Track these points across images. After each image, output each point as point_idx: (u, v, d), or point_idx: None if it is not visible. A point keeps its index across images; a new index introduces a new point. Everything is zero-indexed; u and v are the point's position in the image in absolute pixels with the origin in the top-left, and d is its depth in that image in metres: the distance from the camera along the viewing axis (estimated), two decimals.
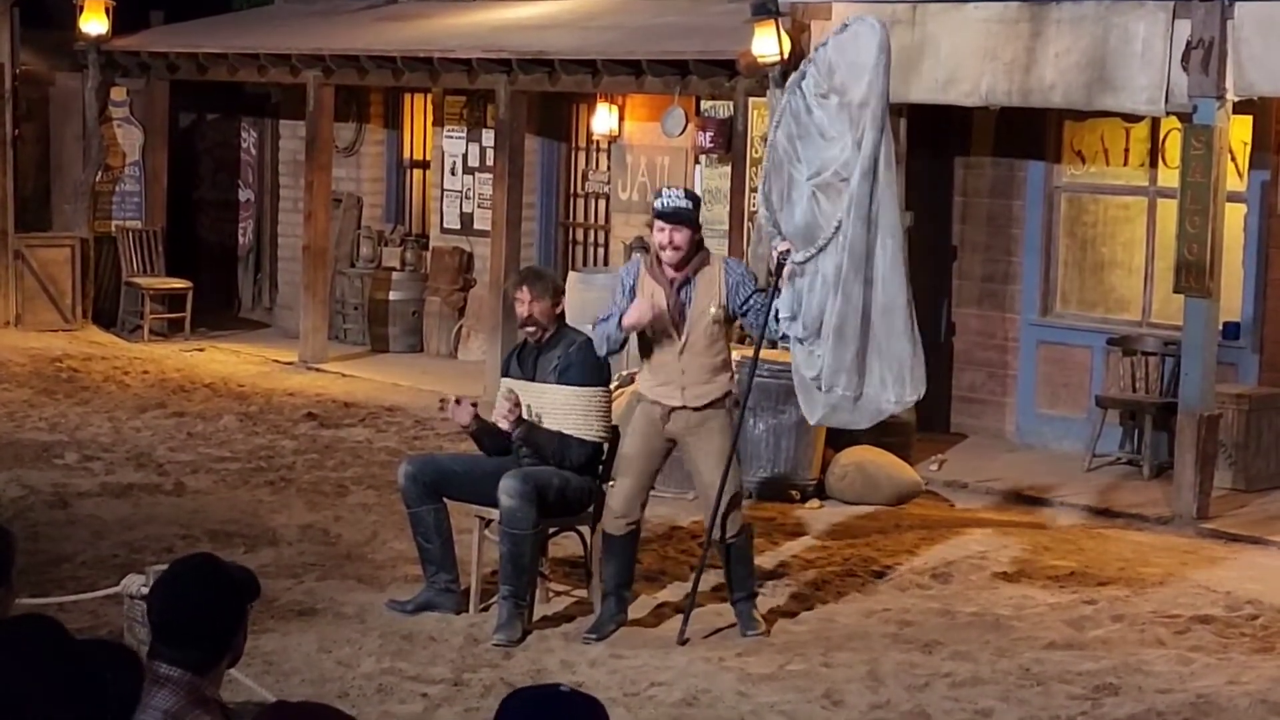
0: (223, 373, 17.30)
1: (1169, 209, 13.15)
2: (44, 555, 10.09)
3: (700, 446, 9.03)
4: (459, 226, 18.85)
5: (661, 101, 16.38)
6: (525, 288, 9.21)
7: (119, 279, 19.71)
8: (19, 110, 19.01)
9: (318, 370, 17.65)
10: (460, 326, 18.71)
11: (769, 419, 12.17)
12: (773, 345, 9.75)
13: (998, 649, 9.00)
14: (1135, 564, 10.85)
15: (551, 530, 9.36)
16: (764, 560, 10.24)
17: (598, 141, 17.84)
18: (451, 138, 18.90)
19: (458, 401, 9.33)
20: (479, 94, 17.99)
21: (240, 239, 21.46)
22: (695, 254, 9.02)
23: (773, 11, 13.51)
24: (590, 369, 9.15)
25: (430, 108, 19.31)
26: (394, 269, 19.16)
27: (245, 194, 21.37)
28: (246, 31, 19.37)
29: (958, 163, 15.09)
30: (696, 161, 16.57)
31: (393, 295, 18.92)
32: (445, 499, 9.32)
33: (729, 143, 15.52)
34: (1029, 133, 14.54)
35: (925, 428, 14.10)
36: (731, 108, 15.43)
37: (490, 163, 17.75)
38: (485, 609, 9.26)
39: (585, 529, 9.40)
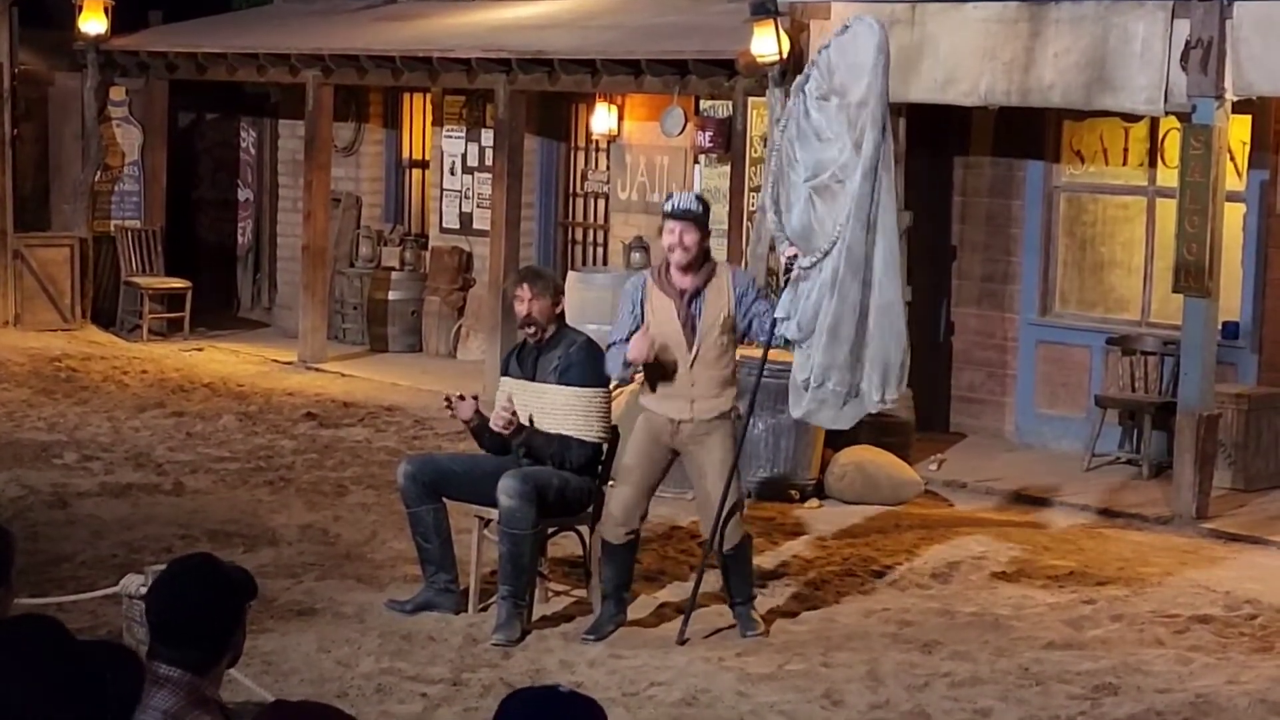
0: (222, 372, 17.30)
1: (1168, 209, 13.15)
2: (43, 555, 10.08)
3: (703, 457, 9.02)
4: (458, 226, 18.85)
5: (661, 101, 16.38)
6: (525, 286, 9.20)
7: (118, 279, 19.70)
8: (18, 110, 19.01)
9: (317, 370, 17.65)
10: (459, 326, 18.72)
11: (769, 419, 12.17)
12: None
13: (997, 649, 9.00)
14: (1134, 564, 10.85)
15: (551, 530, 9.36)
16: (764, 560, 10.24)
17: (597, 141, 17.85)
18: (451, 137, 18.90)
19: (460, 398, 9.33)
20: (478, 93, 17.99)
21: (239, 239, 21.46)
22: (704, 260, 9.01)
23: (772, 11, 13.51)
24: (590, 369, 9.14)
25: (429, 107, 19.31)
26: (393, 269, 19.16)
27: (244, 193, 21.37)
28: (245, 31, 19.37)
29: (957, 162, 15.09)
30: (696, 161, 16.58)
31: (392, 295, 18.92)
32: (444, 499, 9.32)
33: (728, 142, 15.52)
34: (1028, 132, 14.54)
35: (924, 427, 14.11)
36: (731, 107, 15.43)
37: (489, 162, 17.75)
38: (484, 609, 9.25)
39: (585, 529, 9.39)
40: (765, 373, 9.26)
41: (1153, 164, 14.13)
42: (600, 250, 18.05)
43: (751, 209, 14.62)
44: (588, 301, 14.76)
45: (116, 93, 19.90)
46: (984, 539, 11.33)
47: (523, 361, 9.31)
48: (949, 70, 13.02)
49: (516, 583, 8.91)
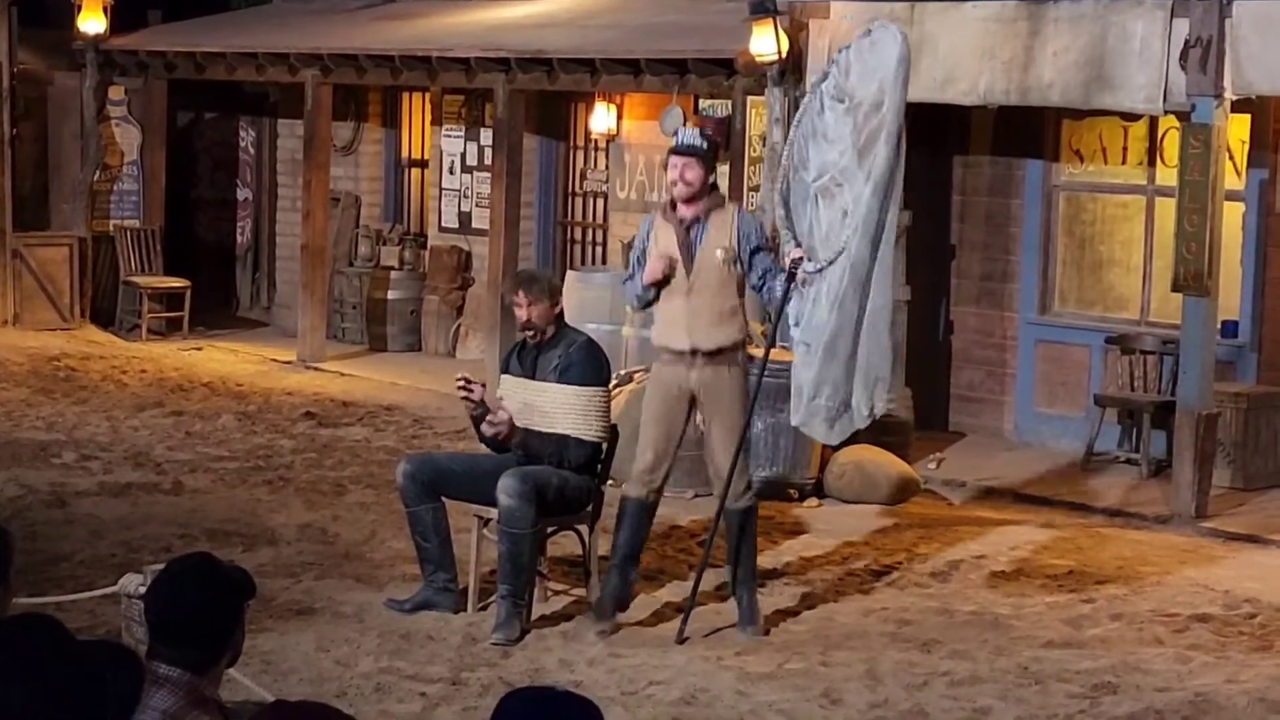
0: (221, 372, 17.29)
1: (1167, 208, 13.15)
2: (42, 554, 10.08)
3: (714, 415, 9.03)
4: (457, 225, 18.85)
5: (660, 100, 16.37)
6: (521, 293, 9.21)
7: (117, 278, 19.70)
8: (17, 109, 19.00)
9: (316, 369, 17.65)
10: (458, 325, 18.71)
11: (768, 418, 12.16)
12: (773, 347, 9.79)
13: (996, 648, 9.00)
14: (1133, 563, 10.85)
15: (550, 529, 9.36)
16: (763, 559, 10.22)
17: (596, 140, 17.84)
18: (450, 137, 18.89)
19: (475, 382, 9.30)
20: (477, 93, 17.99)
21: (238, 238, 21.45)
22: (707, 195, 9.06)
23: (771, 10, 13.51)
24: (590, 369, 9.15)
25: (428, 107, 19.31)
26: (392, 268, 19.16)
27: (243, 193, 21.36)
28: (244, 30, 19.37)
29: (956, 161, 15.09)
30: None
31: (391, 294, 18.92)
32: (444, 498, 9.32)
33: (727, 141, 15.51)
34: (1027, 131, 14.54)
35: (923, 426, 14.11)
36: (730, 106, 15.43)
37: (488, 162, 17.75)
38: (483, 608, 9.25)
39: (584, 528, 9.39)
40: (765, 373, 9.27)
41: (1152, 163, 14.13)
42: (599, 249, 18.04)
43: (751, 208, 14.61)
44: (587, 301, 14.74)
45: (115, 92, 19.89)
46: (983, 538, 11.34)
47: (523, 360, 9.32)
48: (948, 69, 13.02)
49: (516, 582, 8.92)
